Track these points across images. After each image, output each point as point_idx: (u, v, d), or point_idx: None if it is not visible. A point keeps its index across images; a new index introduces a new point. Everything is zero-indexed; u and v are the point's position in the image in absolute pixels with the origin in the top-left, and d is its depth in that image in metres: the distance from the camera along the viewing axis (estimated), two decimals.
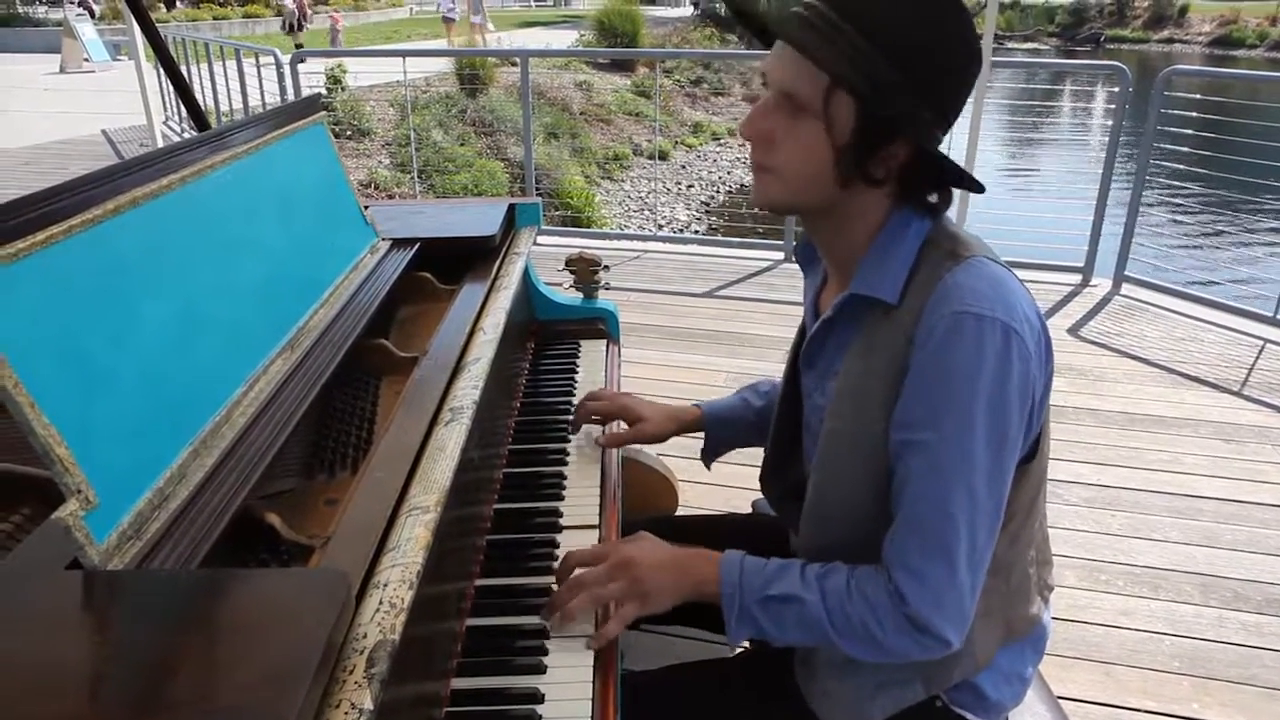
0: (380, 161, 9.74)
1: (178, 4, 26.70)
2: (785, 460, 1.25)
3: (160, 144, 5.71)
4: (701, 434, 1.46)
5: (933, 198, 1.01)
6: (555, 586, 1.09)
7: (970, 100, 4.70)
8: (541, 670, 1.00)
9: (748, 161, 1.06)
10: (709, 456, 1.47)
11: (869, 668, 1.06)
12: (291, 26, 19.33)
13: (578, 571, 1.07)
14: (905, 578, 0.94)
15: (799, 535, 1.11)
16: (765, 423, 1.38)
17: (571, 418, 1.51)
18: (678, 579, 1.05)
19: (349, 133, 9.91)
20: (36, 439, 0.74)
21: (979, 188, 0.99)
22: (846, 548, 1.03)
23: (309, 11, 21.28)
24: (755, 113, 0.97)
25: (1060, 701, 1.28)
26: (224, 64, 9.07)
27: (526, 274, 1.87)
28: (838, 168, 0.94)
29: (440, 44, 18.64)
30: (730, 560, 1.04)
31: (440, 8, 20.65)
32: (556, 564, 1.18)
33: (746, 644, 1.34)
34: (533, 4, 47.54)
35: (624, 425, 1.46)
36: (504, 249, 1.79)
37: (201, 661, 0.66)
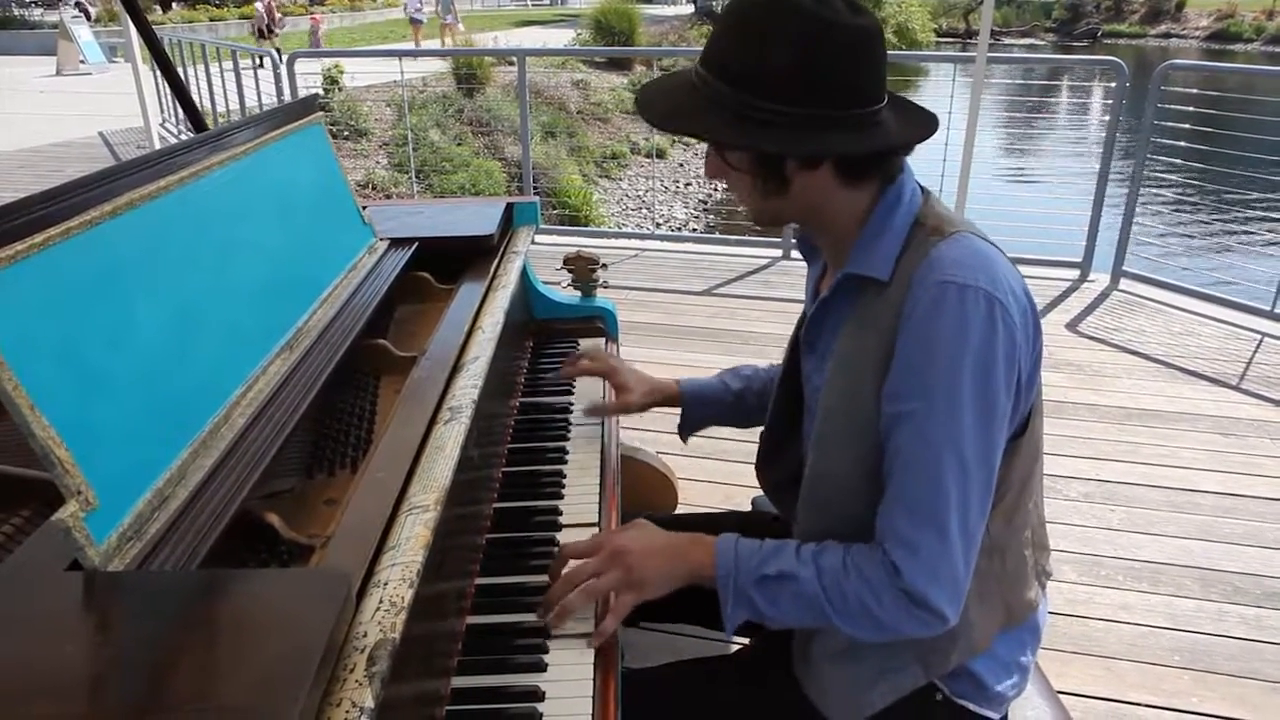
0: (378, 162, 9.74)
1: (174, 5, 26.67)
2: (782, 446, 1.26)
3: (157, 146, 5.71)
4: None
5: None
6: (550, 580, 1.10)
7: (967, 96, 4.60)
8: (542, 668, 1.00)
9: None
10: (685, 431, 1.51)
11: (868, 656, 1.06)
12: (262, 31, 18.51)
13: (571, 563, 1.08)
14: (898, 550, 0.95)
15: (797, 520, 1.12)
16: (742, 405, 1.44)
17: (568, 408, 1.54)
18: (672, 564, 1.06)
19: (346, 133, 9.90)
20: (36, 441, 0.74)
21: (917, 142, 1.02)
22: (844, 530, 1.03)
23: (279, 15, 20.51)
24: (706, 161, 1.07)
25: (1060, 696, 1.29)
26: (220, 65, 9.07)
27: (525, 273, 1.87)
28: (761, 189, 1.02)
29: (434, 44, 18.44)
30: (725, 543, 1.06)
31: (407, 9, 19.86)
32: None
33: (746, 639, 1.35)
34: (529, 3, 47.49)
35: (611, 394, 1.52)
36: (502, 248, 1.79)
37: (202, 662, 0.66)
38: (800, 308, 1.26)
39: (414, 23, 19.58)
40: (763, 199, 1.03)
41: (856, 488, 1.03)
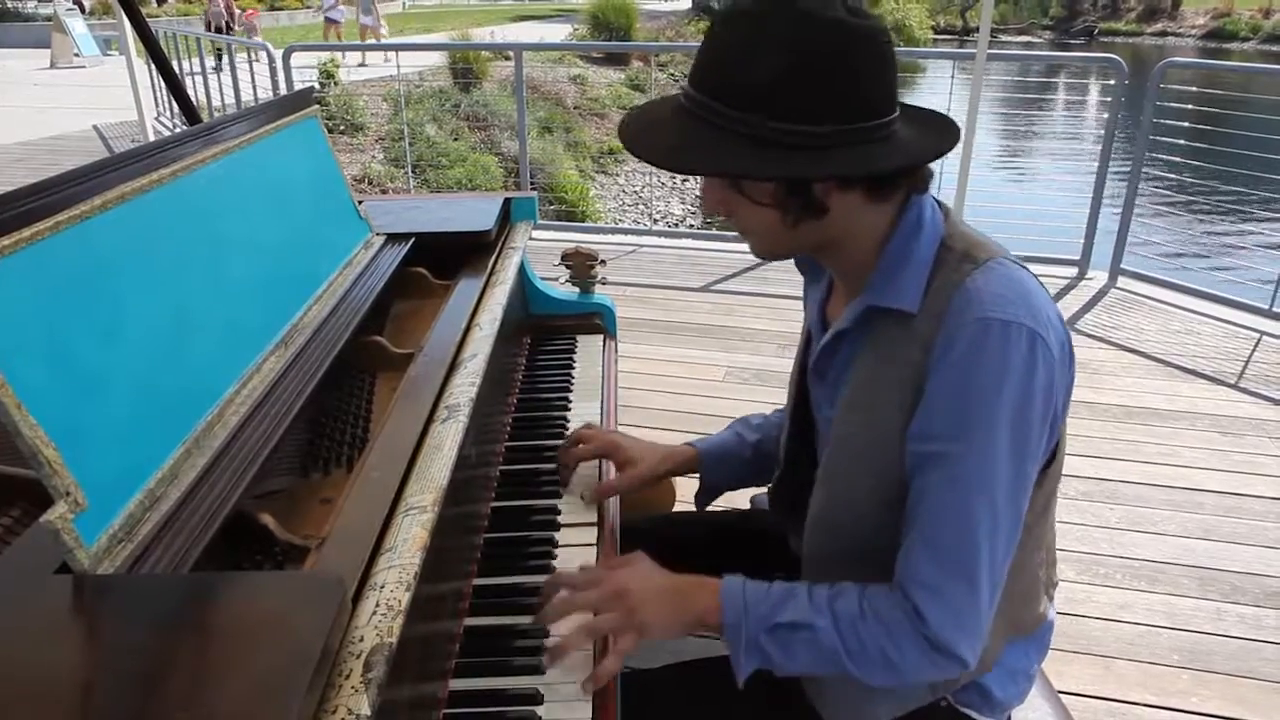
0: (374, 156, 9.70)
1: None
2: (796, 473, 1.20)
3: (152, 139, 5.67)
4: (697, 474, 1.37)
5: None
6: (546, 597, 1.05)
7: (965, 93, 4.58)
8: (541, 670, 0.99)
9: None
10: (704, 499, 1.40)
11: None
12: (220, 29, 16.97)
13: (563, 593, 1.02)
14: (924, 596, 0.90)
15: (805, 541, 1.09)
16: (762, 458, 1.34)
17: (566, 405, 1.49)
18: (677, 611, 0.99)
19: (342, 127, 9.86)
20: (23, 440, 0.72)
21: (941, 153, 0.95)
22: (851, 557, 1.01)
23: (238, 12, 18.98)
24: (703, 194, 0.98)
25: (1060, 696, 1.28)
26: (215, 59, 9.03)
27: (522, 269, 1.85)
28: (786, 219, 0.93)
29: (432, 38, 17.97)
30: (732, 588, 0.99)
31: (323, 6, 17.43)
32: (554, 563, 1.16)
33: None
34: None
35: (613, 468, 1.38)
36: (499, 244, 1.78)
37: (193, 668, 0.65)
38: (798, 304, 1.21)
39: (329, 22, 17.03)
40: (790, 230, 0.94)
41: (868, 515, 0.99)
